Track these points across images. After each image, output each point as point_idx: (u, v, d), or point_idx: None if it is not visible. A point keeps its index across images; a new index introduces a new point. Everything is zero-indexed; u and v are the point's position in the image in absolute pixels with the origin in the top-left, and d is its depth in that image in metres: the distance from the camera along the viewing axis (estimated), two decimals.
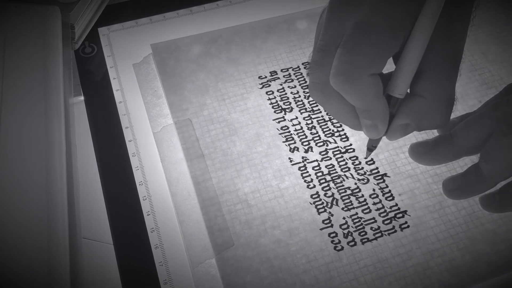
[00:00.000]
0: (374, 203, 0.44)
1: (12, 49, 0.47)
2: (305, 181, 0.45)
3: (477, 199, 0.33)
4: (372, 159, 0.46)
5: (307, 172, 0.45)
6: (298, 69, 0.52)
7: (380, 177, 0.45)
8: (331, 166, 0.46)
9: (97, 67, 0.52)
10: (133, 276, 0.41)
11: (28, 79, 0.45)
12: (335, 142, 0.47)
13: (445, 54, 0.29)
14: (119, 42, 0.54)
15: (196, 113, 0.49)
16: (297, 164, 0.46)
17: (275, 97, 0.50)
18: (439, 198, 0.44)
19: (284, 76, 0.51)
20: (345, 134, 0.48)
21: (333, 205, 0.44)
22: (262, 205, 0.44)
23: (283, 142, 0.47)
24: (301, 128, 0.48)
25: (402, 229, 0.43)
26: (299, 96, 0.50)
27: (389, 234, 0.43)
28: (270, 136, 0.47)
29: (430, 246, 0.42)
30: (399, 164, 0.46)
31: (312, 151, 0.47)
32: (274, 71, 0.52)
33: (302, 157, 0.46)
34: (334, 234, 0.42)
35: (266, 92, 0.50)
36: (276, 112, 0.49)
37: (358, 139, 0.47)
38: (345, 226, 0.43)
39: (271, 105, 0.49)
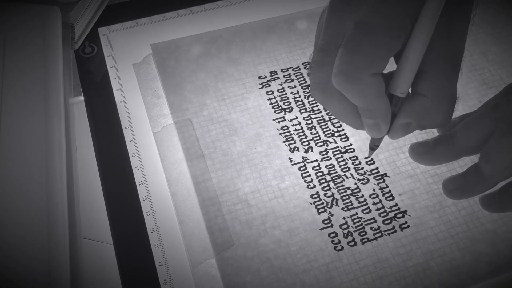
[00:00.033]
0: (374, 203, 0.44)
1: (12, 49, 0.47)
2: (305, 181, 0.45)
3: (477, 199, 0.33)
4: (372, 159, 0.46)
5: (307, 172, 0.45)
6: (298, 69, 0.52)
7: (380, 177, 0.45)
8: (331, 166, 0.46)
9: (97, 67, 0.52)
10: (133, 276, 0.41)
11: (28, 79, 0.45)
12: (335, 142, 0.47)
13: (446, 53, 0.29)
14: (119, 42, 0.54)
15: (196, 113, 0.49)
16: (297, 164, 0.46)
17: (275, 97, 0.50)
18: (439, 198, 0.44)
19: (284, 76, 0.51)
20: (345, 134, 0.48)
21: (333, 205, 0.44)
22: (262, 205, 0.44)
23: (283, 142, 0.47)
24: (301, 128, 0.48)
25: (402, 229, 0.43)
26: (299, 96, 0.50)
27: (389, 234, 0.43)
28: (270, 136, 0.47)
29: (430, 246, 0.42)
30: (399, 164, 0.46)
31: (312, 151, 0.47)
32: (274, 71, 0.52)
33: (302, 157, 0.46)
34: (334, 234, 0.42)
35: (266, 92, 0.50)
36: (276, 112, 0.49)
37: (358, 139, 0.47)
38: (345, 226, 0.43)
39: (271, 105, 0.49)
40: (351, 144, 0.47)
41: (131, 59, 0.52)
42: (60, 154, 0.42)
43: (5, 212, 0.39)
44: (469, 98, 0.50)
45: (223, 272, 0.40)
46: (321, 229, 0.43)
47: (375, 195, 0.44)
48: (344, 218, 0.43)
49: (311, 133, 0.48)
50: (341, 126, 0.48)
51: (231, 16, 0.56)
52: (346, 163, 0.46)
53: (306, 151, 0.47)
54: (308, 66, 0.52)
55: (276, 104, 0.49)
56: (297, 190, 0.44)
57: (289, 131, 0.48)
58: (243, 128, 0.48)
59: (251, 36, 0.54)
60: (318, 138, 0.47)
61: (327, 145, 0.47)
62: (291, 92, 0.50)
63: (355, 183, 0.45)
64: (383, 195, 0.44)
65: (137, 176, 0.45)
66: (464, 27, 0.30)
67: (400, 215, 0.43)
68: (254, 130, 0.48)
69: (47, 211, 0.39)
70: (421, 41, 0.28)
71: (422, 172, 0.45)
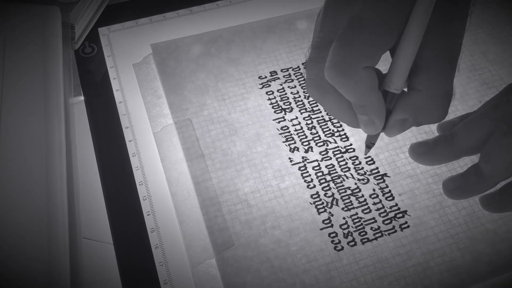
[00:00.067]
0: (374, 203, 0.44)
1: (12, 49, 0.47)
2: (305, 181, 0.45)
3: (477, 199, 0.33)
4: (372, 159, 0.46)
5: (307, 172, 0.45)
6: (298, 69, 0.52)
7: (380, 177, 0.45)
8: (331, 166, 0.46)
9: (97, 67, 0.52)
10: (133, 276, 0.41)
11: (28, 79, 0.45)
12: (335, 142, 0.47)
13: (442, 49, 0.29)
14: (119, 42, 0.54)
15: (196, 113, 0.49)
16: (297, 164, 0.46)
17: (275, 97, 0.50)
18: (439, 198, 0.44)
19: (284, 76, 0.51)
20: (345, 134, 0.48)
21: (333, 205, 0.44)
22: (262, 205, 0.44)
23: (283, 142, 0.47)
24: (301, 128, 0.48)
25: (402, 229, 0.43)
26: (299, 96, 0.50)
27: (389, 234, 0.43)
28: (270, 136, 0.47)
29: (430, 246, 0.42)
30: (399, 164, 0.46)
31: (312, 151, 0.47)
32: (274, 71, 0.52)
33: (302, 157, 0.46)
34: (334, 234, 0.42)
35: (266, 92, 0.50)
36: (276, 112, 0.49)
37: (358, 139, 0.47)
38: (345, 226, 0.43)
39: (271, 105, 0.49)
40: (351, 144, 0.47)
41: (131, 59, 0.52)
42: (60, 154, 0.42)
43: (5, 212, 0.39)
44: (469, 98, 0.50)
45: (223, 272, 0.40)
46: (321, 229, 0.43)
47: (375, 195, 0.44)
48: (344, 218, 0.43)
49: (311, 133, 0.48)
50: (341, 126, 0.48)
51: (231, 16, 0.56)
52: (346, 163, 0.46)
53: (306, 151, 0.47)
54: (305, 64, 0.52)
55: (276, 104, 0.49)
56: (297, 190, 0.44)
57: (289, 131, 0.48)
58: (243, 128, 0.48)
59: (251, 36, 0.54)
60: (318, 138, 0.47)
61: (327, 145, 0.47)
62: (291, 92, 0.50)
63: (355, 183, 0.45)
64: (383, 195, 0.44)
65: (137, 176, 0.45)
66: (460, 23, 0.30)
67: (400, 215, 0.43)
68: (254, 130, 0.48)
69: (47, 211, 0.39)
70: (414, 37, 0.28)
71: (422, 172, 0.45)
